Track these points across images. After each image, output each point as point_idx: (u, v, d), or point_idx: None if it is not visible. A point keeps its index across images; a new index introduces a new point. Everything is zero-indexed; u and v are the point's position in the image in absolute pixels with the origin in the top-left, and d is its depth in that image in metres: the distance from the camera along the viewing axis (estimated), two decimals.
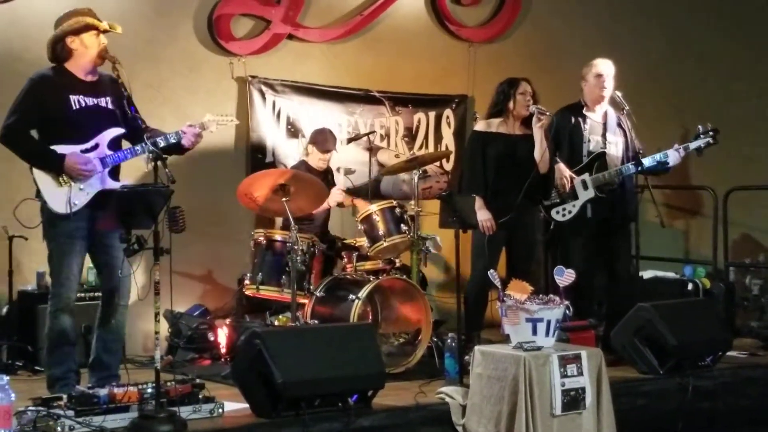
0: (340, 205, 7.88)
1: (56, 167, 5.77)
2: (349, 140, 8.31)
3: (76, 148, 5.81)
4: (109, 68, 5.88)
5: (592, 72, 7.27)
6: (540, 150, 7.02)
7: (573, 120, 7.26)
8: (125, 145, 6.00)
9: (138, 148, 5.88)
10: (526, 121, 7.14)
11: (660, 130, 8.95)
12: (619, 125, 7.28)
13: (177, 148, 6.01)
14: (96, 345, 6.06)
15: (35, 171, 5.83)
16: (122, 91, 5.86)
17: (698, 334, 6.66)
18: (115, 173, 5.95)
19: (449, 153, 9.02)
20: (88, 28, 5.87)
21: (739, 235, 10.02)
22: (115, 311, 6.03)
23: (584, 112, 7.29)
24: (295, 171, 7.13)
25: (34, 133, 5.91)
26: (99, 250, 5.98)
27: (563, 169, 7.15)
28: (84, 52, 5.89)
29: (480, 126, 7.29)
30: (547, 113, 7.01)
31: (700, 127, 7.31)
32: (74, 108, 5.86)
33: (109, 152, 5.87)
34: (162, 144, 5.85)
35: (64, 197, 5.78)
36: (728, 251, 9.11)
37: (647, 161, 7.14)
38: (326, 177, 7.79)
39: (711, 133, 7.23)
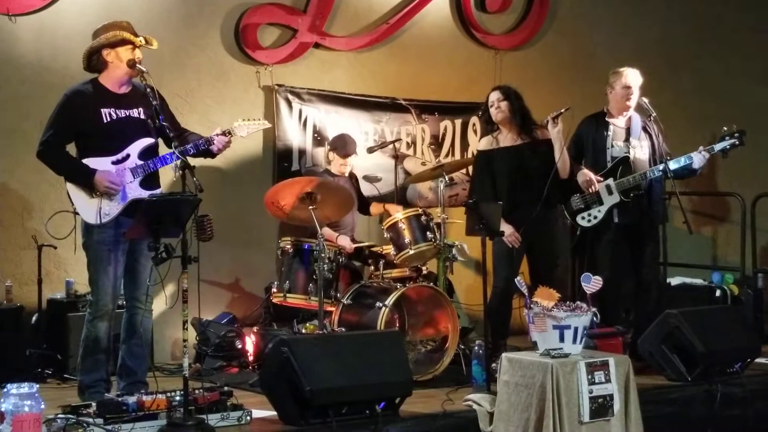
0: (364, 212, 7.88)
1: (87, 182, 5.85)
2: (374, 149, 8.29)
3: (108, 160, 5.89)
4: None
5: (620, 82, 7.21)
6: (559, 153, 6.96)
7: (596, 128, 7.25)
8: (161, 153, 6.06)
9: (167, 156, 5.95)
10: (526, 130, 7.09)
11: (687, 134, 8.90)
12: (645, 129, 7.25)
13: (207, 153, 6.11)
14: (121, 351, 6.13)
15: (68, 183, 5.91)
16: (151, 102, 5.91)
17: (726, 341, 6.63)
18: (149, 181, 6.00)
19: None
20: (124, 42, 5.93)
21: (767, 242, 9.96)
22: (140, 317, 6.09)
23: (607, 119, 7.26)
24: (322, 179, 7.14)
25: (69, 147, 5.99)
26: (127, 257, 6.03)
27: (587, 173, 7.13)
28: (118, 65, 5.96)
29: (482, 144, 7.25)
30: (562, 111, 6.92)
31: (725, 128, 7.25)
32: (105, 121, 5.92)
33: (139, 162, 5.94)
34: (192, 152, 5.92)
35: (95, 208, 5.85)
36: (756, 258, 9.05)
37: (672, 164, 7.11)
38: (351, 183, 7.80)
39: (737, 134, 7.17)
